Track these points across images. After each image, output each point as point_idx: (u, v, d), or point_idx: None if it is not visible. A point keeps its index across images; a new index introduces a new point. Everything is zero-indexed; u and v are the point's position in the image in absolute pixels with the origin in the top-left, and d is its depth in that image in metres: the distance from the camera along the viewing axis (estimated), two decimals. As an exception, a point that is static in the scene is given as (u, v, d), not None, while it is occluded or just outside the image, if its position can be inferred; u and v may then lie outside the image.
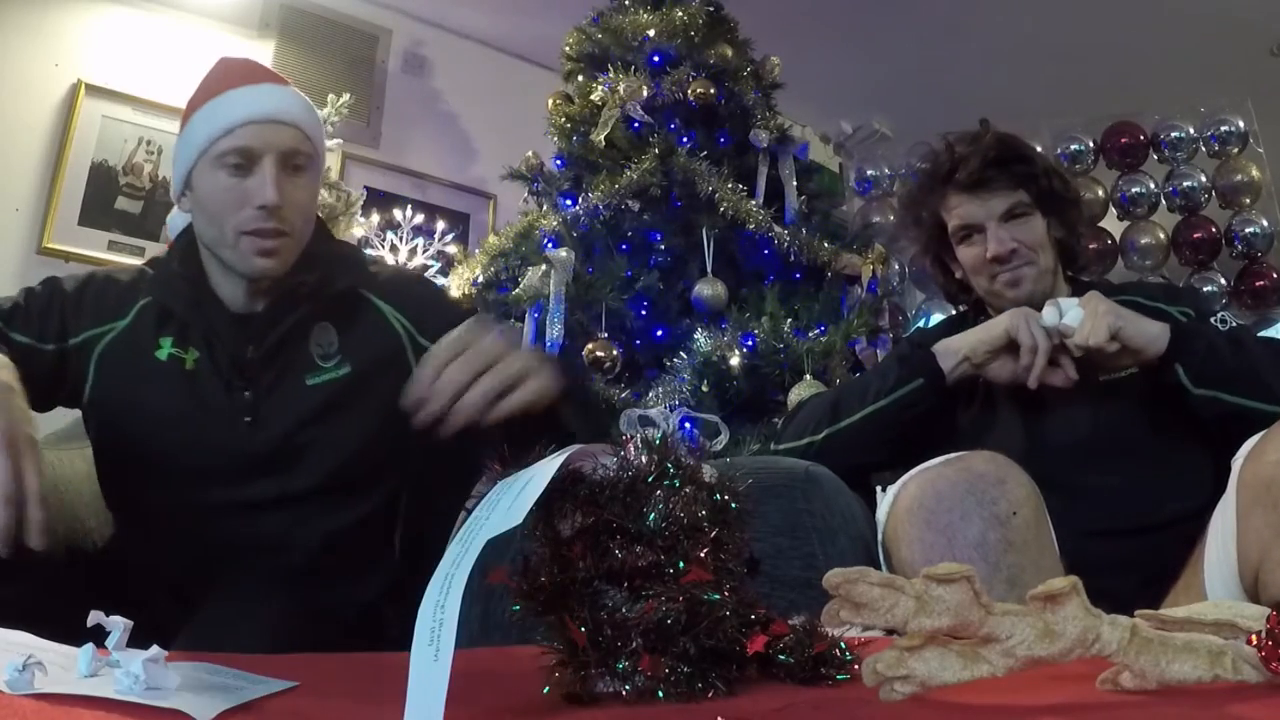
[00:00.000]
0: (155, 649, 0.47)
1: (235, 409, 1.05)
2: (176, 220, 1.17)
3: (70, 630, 0.55)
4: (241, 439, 1.04)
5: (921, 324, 2.89)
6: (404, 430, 1.08)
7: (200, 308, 1.07)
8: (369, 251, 2.80)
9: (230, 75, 1.08)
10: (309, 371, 1.08)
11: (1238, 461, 0.95)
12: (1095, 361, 1.20)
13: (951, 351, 1.27)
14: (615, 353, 2.19)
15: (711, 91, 2.42)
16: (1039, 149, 1.42)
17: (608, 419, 1.49)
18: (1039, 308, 1.35)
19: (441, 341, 0.88)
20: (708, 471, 0.52)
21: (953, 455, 0.99)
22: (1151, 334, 1.17)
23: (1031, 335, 1.20)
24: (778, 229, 2.30)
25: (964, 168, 1.35)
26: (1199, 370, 1.15)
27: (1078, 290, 1.41)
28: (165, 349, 1.06)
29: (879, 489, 1.10)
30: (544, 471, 0.47)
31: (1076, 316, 1.19)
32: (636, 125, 2.41)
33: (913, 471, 1.02)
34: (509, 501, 0.46)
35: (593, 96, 2.47)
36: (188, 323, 1.07)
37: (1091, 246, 3.04)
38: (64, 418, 1.41)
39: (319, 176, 1.13)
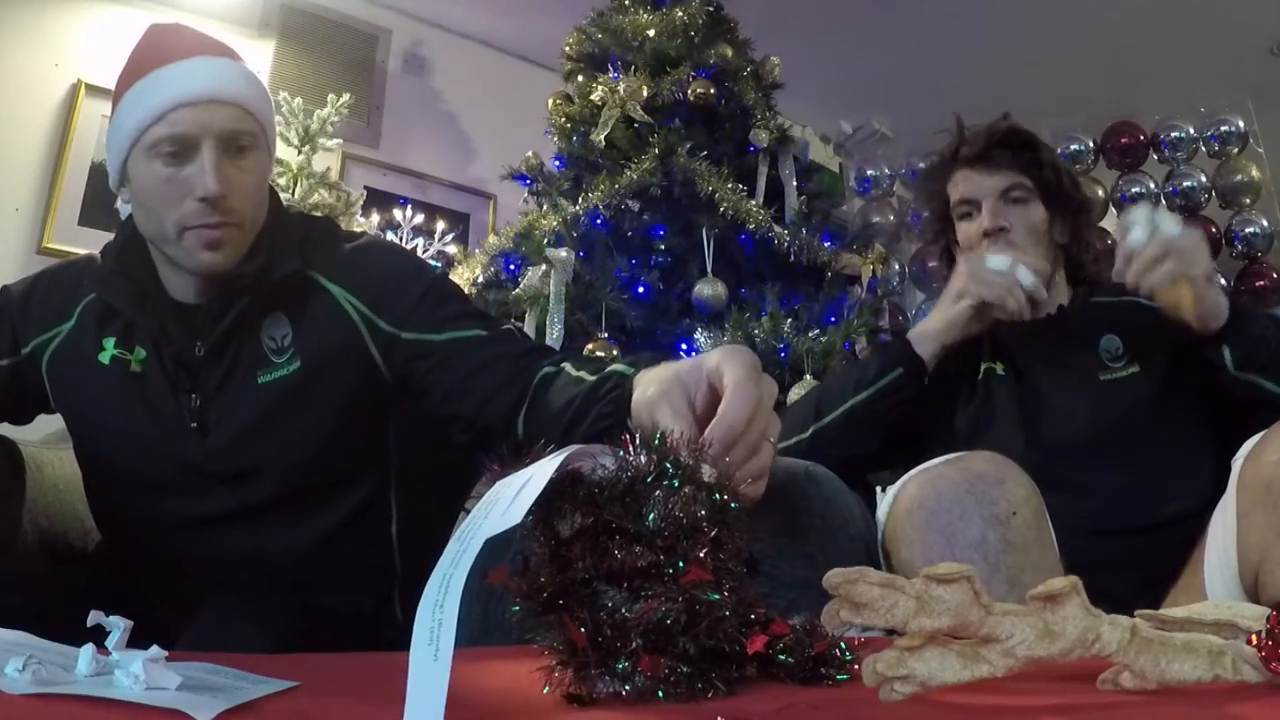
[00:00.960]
0: (155, 649, 0.47)
1: (181, 414, 0.98)
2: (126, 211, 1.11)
3: (70, 630, 0.55)
4: (190, 448, 0.98)
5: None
6: (370, 425, 1.04)
7: (145, 303, 0.99)
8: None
9: (159, 50, 0.96)
10: (262, 368, 0.98)
11: (1238, 462, 0.95)
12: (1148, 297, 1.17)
13: (927, 337, 1.28)
14: (615, 353, 2.18)
15: (711, 91, 2.42)
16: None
17: None
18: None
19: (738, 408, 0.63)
20: (707, 471, 0.51)
21: (953, 455, 0.99)
22: (1216, 301, 1.15)
23: (993, 291, 1.23)
24: (778, 229, 2.30)
25: (971, 144, 1.39)
26: (1245, 354, 1.15)
27: (1078, 295, 1.42)
28: (108, 351, 0.99)
29: (879, 489, 1.10)
30: (542, 472, 0.47)
31: (1176, 220, 1.15)
32: (636, 125, 2.41)
33: (913, 472, 1.02)
34: (507, 502, 0.46)
35: (593, 96, 2.47)
36: (133, 321, 0.99)
37: (1091, 246, 3.04)
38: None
39: (269, 153, 1.01)
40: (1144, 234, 1.13)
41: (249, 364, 0.99)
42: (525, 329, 2.18)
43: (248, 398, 0.98)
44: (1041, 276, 1.32)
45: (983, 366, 1.36)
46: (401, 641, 0.41)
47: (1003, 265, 1.23)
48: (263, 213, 1.01)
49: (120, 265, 1.01)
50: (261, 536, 1.01)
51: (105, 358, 1.00)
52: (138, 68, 0.95)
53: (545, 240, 2.30)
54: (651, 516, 0.48)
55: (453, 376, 0.96)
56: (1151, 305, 1.35)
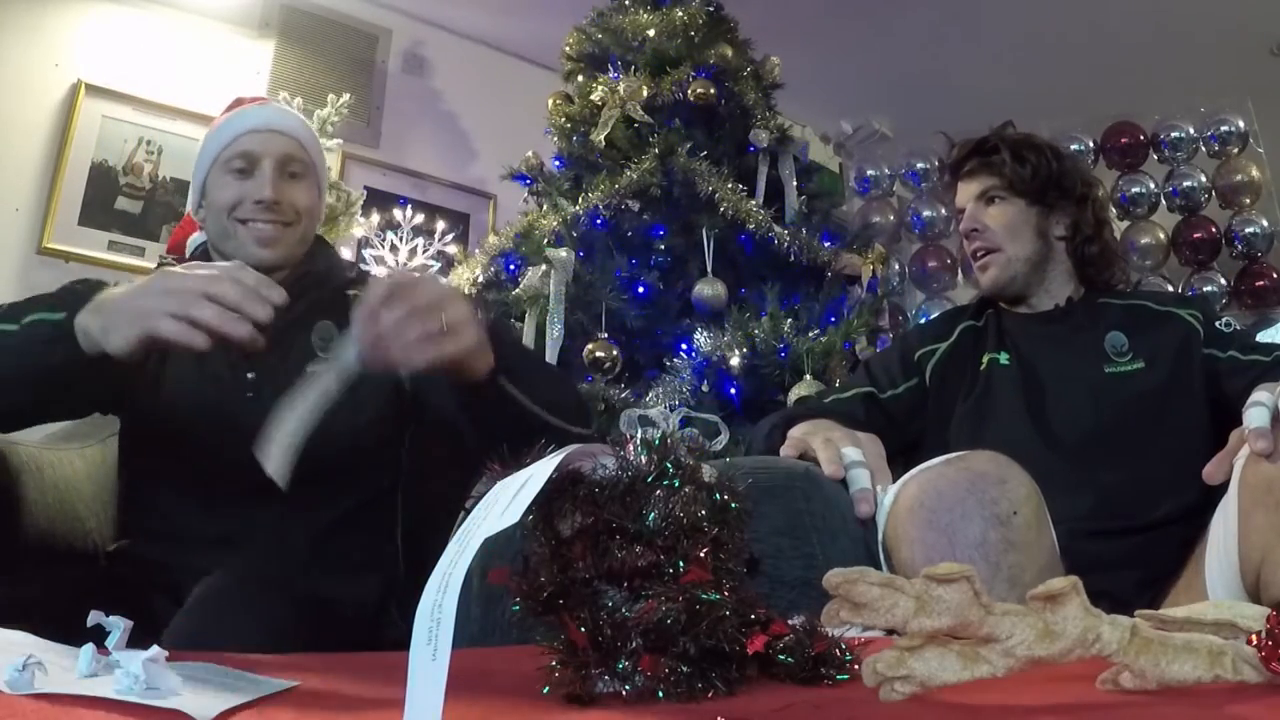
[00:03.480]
0: (155, 649, 0.47)
1: (239, 386, 1.10)
2: (198, 241, 1.35)
3: (70, 630, 0.55)
4: (246, 412, 1.04)
5: (921, 322, 2.90)
6: (390, 430, 1.16)
7: None
8: (368, 251, 2.82)
9: (239, 105, 1.24)
10: (311, 361, 1.08)
11: (1239, 461, 0.94)
12: None
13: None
14: (615, 353, 2.18)
15: (711, 91, 2.42)
16: (1049, 151, 1.46)
17: (560, 379, 1.38)
18: (1013, 297, 1.41)
19: (376, 284, 0.88)
20: (707, 471, 0.51)
21: (953, 455, 0.99)
22: None
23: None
24: (778, 229, 2.30)
25: (954, 157, 1.49)
26: None
27: (1087, 293, 1.41)
28: None
29: (879, 489, 1.10)
30: (541, 472, 0.47)
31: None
32: (636, 125, 2.41)
33: (913, 471, 1.02)
34: (506, 501, 0.46)
35: (593, 96, 2.47)
36: None
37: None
38: (64, 418, 1.41)
39: (318, 186, 1.24)
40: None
41: (301, 357, 1.10)
42: (525, 329, 2.18)
43: (295, 382, 1.05)
44: (1018, 264, 1.38)
45: (986, 357, 1.37)
46: (403, 643, 0.41)
47: (850, 458, 1.12)
48: (313, 228, 1.22)
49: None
50: (282, 514, 1.05)
51: None
52: (222, 117, 1.23)
53: (545, 240, 2.29)
54: (651, 516, 0.48)
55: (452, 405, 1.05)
56: (1161, 309, 1.36)
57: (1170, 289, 3.20)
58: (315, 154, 1.24)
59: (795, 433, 1.20)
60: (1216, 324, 1.35)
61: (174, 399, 1.11)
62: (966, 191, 1.45)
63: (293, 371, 1.06)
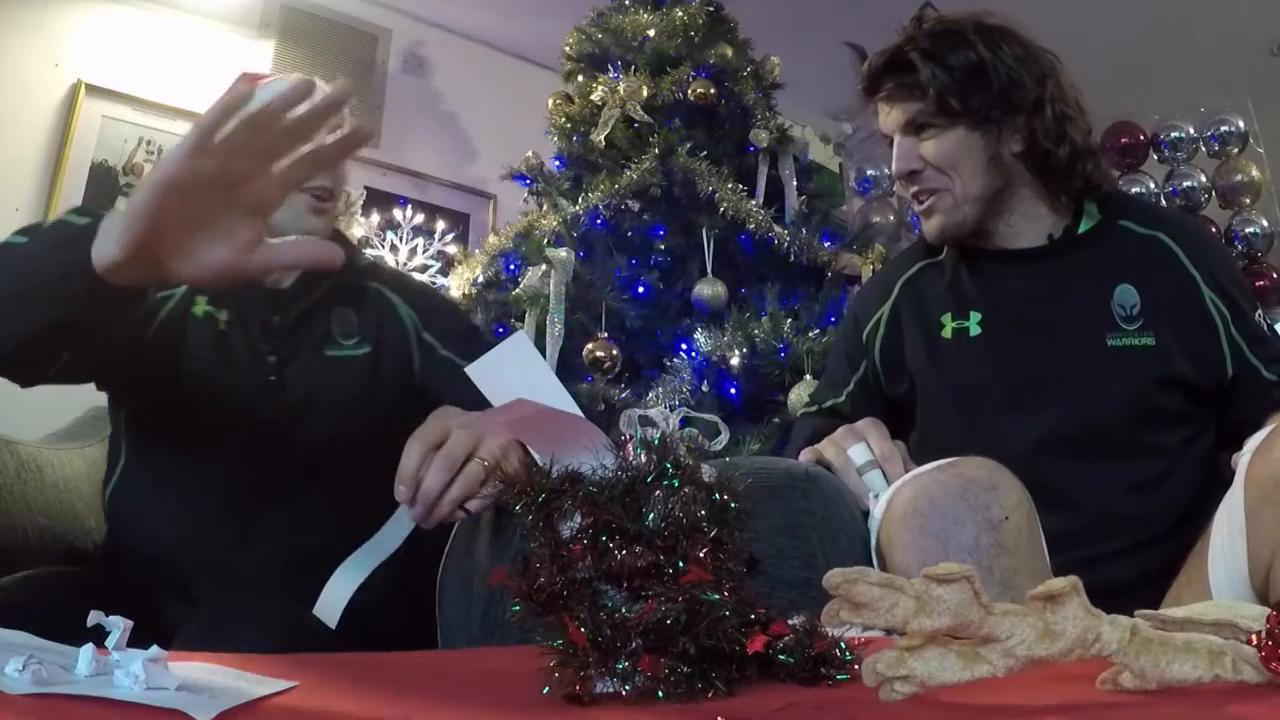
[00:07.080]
0: (155, 649, 0.47)
1: (260, 370, 1.09)
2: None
3: (70, 630, 0.55)
4: (266, 396, 1.09)
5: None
6: (402, 426, 1.12)
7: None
8: (369, 251, 2.82)
9: None
10: (328, 345, 1.14)
11: (1244, 457, 0.93)
12: None
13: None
14: (615, 353, 2.18)
15: (711, 91, 2.42)
16: (983, 46, 1.15)
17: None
18: (957, 239, 1.16)
19: (413, 441, 0.90)
20: (707, 471, 0.51)
21: (945, 461, 0.98)
22: None
23: (846, 480, 1.10)
24: (778, 229, 2.30)
25: (866, 74, 1.21)
26: None
27: (1106, 223, 1.17)
28: (201, 305, 1.11)
29: (871, 495, 1.08)
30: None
31: None
32: (636, 125, 2.41)
33: (906, 477, 1.01)
34: None
35: (593, 96, 2.47)
36: (220, 289, 1.10)
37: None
38: (64, 417, 1.41)
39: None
40: None
41: (318, 341, 1.13)
42: (525, 329, 2.19)
43: (317, 367, 1.12)
44: (969, 205, 1.15)
45: (950, 323, 1.19)
46: (403, 643, 0.41)
47: (860, 459, 1.10)
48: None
49: None
50: (296, 514, 1.06)
51: (199, 311, 1.11)
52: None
53: (545, 240, 2.29)
54: (651, 516, 0.48)
55: (466, 400, 1.02)
56: (1180, 258, 1.13)
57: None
58: None
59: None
60: (1245, 308, 1.14)
61: (193, 382, 1.08)
62: (889, 119, 1.18)
63: (311, 355, 1.12)
